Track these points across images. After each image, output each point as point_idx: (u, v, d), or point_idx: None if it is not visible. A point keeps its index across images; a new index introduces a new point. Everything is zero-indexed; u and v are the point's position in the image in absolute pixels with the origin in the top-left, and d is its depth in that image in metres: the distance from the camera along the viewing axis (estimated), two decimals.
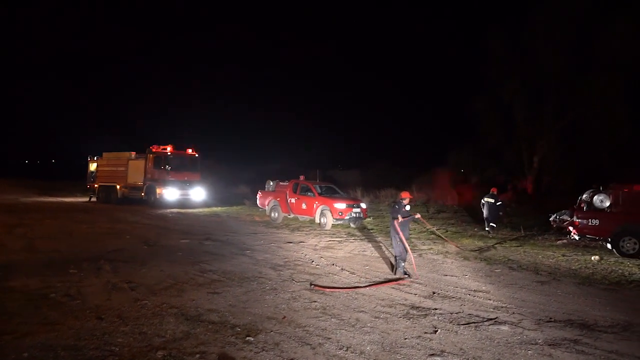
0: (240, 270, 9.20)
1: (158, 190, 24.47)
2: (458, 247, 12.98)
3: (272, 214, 19.10)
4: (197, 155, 26.66)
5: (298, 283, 8.25)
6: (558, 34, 24.09)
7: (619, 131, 23.41)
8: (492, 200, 16.76)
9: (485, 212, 16.85)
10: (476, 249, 13.20)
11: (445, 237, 15.06)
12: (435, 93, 51.49)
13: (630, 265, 11.16)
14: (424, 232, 16.34)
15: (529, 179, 27.42)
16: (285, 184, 19.32)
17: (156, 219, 18.74)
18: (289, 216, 18.95)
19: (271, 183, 20.19)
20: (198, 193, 25.81)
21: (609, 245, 13.03)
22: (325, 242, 13.66)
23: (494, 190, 17.12)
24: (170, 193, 24.48)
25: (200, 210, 23.98)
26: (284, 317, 6.26)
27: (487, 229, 16.76)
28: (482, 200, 17.04)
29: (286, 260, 10.50)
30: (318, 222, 17.27)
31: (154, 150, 25.34)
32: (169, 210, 22.69)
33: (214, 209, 24.93)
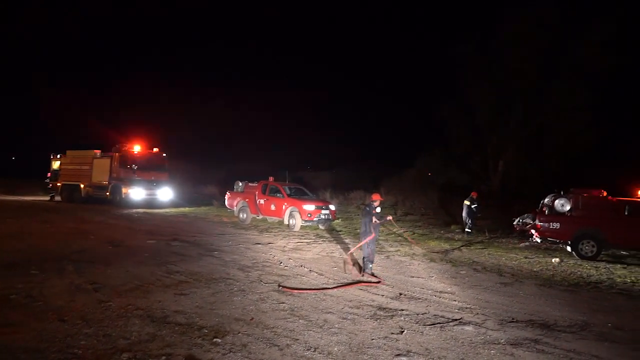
0: (208, 271, 9.12)
1: (124, 190, 23.99)
2: (424, 250, 13.16)
3: (241, 215, 18.99)
4: (164, 154, 26.27)
5: (266, 284, 8.23)
6: (525, 42, 24.73)
7: (581, 138, 24.23)
8: (469, 203, 17.31)
9: (464, 214, 17.37)
10: (442, 250, 13.44)
11: (413, 239, 15.27)
12: (406, 97, 52.16)
13: (588, 267, 11.56)
14: (392, 234, 16.53)
15: (495, 182, 28.04)
16: (254, 185, 19.24)
17: (122, 219, 18.38)
18: (257, 217, 18.88)
19: (240, 184, 20.07)
20: (165, 193, 25.43)
21: (568, 248, 13.48)
22: (293, 243, 13.67)
23: (474, 194, 17.57)
24: (136, 193, 24.04)
25: (168, 210, 23.63)
26: (252, 318, 6.24)
27: (466, 230, 17.27)
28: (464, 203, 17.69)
29: (254, 261, 10.46)
30: (287, 223, 17.26)
31: (120, 148, 24.84)
32: (135, 210, 22.27)
33: (182, 209, 24.62)
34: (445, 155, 29.46)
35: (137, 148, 24.87)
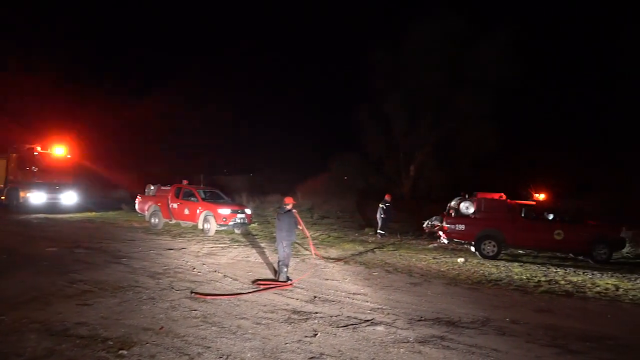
0: (115, 279, 8.66)
1: (22, 194, 22.18)
2: (321, 257, 12.92)
3: (152, 220, 18.25)
4: (69, 155, 24.63)
5: (178, 291, 7.97)
6: (436, 51, 26.04)
7: (486, 144, 25.93)
8: (382, 206, 17.84)
9: (379, 216, 17.83)
10: (356, 253, 13.74)
11: (327, 243, 15.47)
12: (323, 101, 52.76)
13: (489, 266, 12.34)
14: (307, 237, 16.63)
15: (407, 186, 29.19)
16: (167, 188, 18.57)
17: (19, 226, 16.98)
18: (170, 222, 18.24)
19: (152, 187, 19.28)
20: (69, 197, 23.82)
21: (472, 248, 14.30)
22: (208, 248, 13.36)
23: (387, 197, 18.10)
24: (36, 197, 22.32)
25: (72, 215, 22.17)
26: (162, 327, 6.01)
27: (381, 232, 17.71)
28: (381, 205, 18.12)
29: (166, 267, 10.09)
30: (201, 228, 16.83)
31: (18, 149, 22.96)
32: (34, 216, 20.68)
33: (88, 214, 23.21)
34: (361, 159, 30.24)
35: (38, 149, 23.12)
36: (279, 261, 9.56)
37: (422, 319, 7.04)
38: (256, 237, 16.67)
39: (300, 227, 9.62)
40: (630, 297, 9.15)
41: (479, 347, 5.83)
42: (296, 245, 14.28)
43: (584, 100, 30.20)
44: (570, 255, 14.44)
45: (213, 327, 6.11)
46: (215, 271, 9.98)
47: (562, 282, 10.47)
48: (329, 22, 56.53)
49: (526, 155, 28.46)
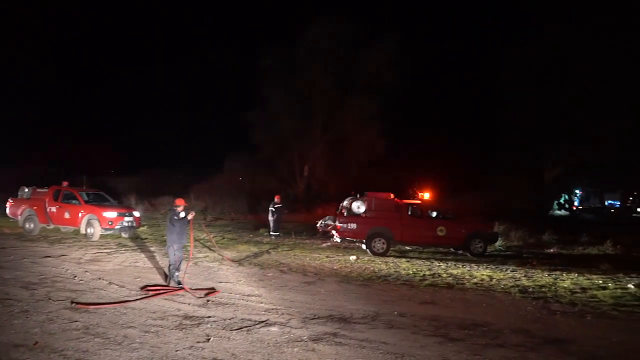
0: None
1: None
2: (226, 258, 12.81)
3: (27, 225, 16.65)
4: None
5: (56, 302, 7.34)
6: (324, 54, 26.68)
7: (375, 145, 27.08)
8: (271, 208, 17.83)
9: (270, 218, 17.76)
10: (251, 254, 13.65)
11: (221, 245, 15.20)
12: (217, 101, 51.61)
13: (379, 262, 12.88)
14: (200, 240, 16.22)
15: (301, 187, 29.58)
16: (43, 190, 17.04)
17: None
18: (48, 227, 16.76)
19: (26, 190, 17.57)
20: None
21: (363, 246, 14.85)
22: (91, 254, 12.49)
23: (276, 198, 18.10)
24: None
25: None
26: (36, 342, 5.50)
27: (274, 233, 17.66)
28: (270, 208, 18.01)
29: (42, 277, 9.26)
30: (84, 232, 15.68)
31: None
32: None
33: None
34: (255, 159, 30.12)
35: None
36: (169, 265, 9.20)
37: (316, 317, 7.16)
38: (146, 240, 15.90)
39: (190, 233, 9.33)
40: (502, 286, 10.03)
41: (370, 341, 6.05)
42: (188, 248, 13.80)
43: (466, 103, 32.63)
44: (452, 249, 15.52)
45: (96, 339, 5.72)
46: (100, 278, 9.36)
47: (445, 275, 11.22)
48: (223, 22, 55.65)
49: (413, 155, 30.17)
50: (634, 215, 31.66)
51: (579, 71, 24.18)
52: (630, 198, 33.85)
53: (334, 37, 26.26)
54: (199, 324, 6.56)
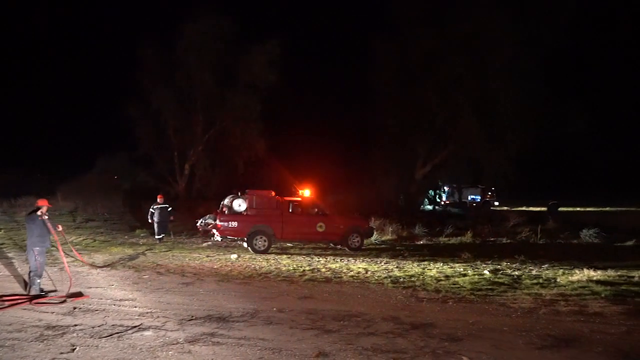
0: None
1: None
2: (88, 264, 11.92)
3: None
4: None
5: None
6: (205, 51, 26.09)
7: (256, 142, 27.11)
8: (151, 210, 16.56)
9: (156, 218, 16.54)
10: (126, 257, 12.96)
11: (92, 247, 14.24)
12: (89, 95, 47.56)
13: (260, 260, 12.94)
14: (67, 243, 15.00)
15: (181, 185, 28.62)
16: None
17: None
18: None
19: None
20: None
21: (245, 244, 14.80)
22: None
23: (159, 198, 16.90)
24: None
25: None
26: None
27: (158, 237, 16.51)
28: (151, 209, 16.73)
29: None
30: None
31: None
32: None
33: None
34: (131, 157, 28.56)
35: None
36: (29, 272, 8.42)
37: (194, 318, 7.01)
38: (3, 245, 14.38)
39: (52, 233, 8.61)
40: (376, 277, 10.59)
41: (248, 339, 6.06)
42: (53, 252, 12.71)
43: (345, 103, 33.79)
44: (331, 244, 16.05)
45: None
46: None
47: (324, 269, 11.57)
48: (102, 12, 51.92)
49: (295, 153, 30.67)
50: (492, 208, 35.08)
51: (439, 72, 26.16)
52: (489, 193, 37.41)
53: (215, 34, 25.81)
54: (64, 333, 6.10)
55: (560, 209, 30.32)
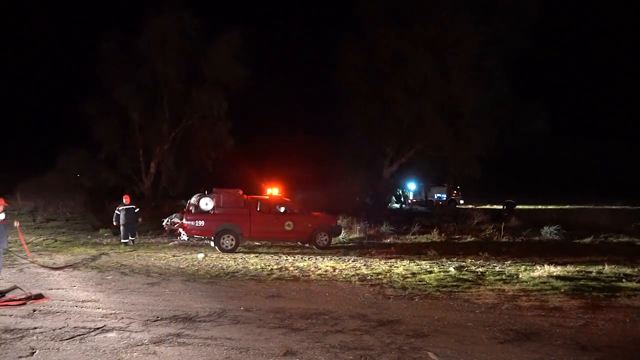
0: None
1: None
2: (38, 264, 11.52)
3: None
4: None
5: None
6: (169, 46, 25.68)
7: (223, 140, 26.87)
8: (117, 212, 15.77)
9: (122, 220, 15.59)
10: (88, 257, 12.65)
11: (53, 248, 13.84)
12: (44, 91, 45.80)
13: (228, 259, 12.83)
14: (28, 243, 14.56)
15: (147, 184, 28.08)
16: None
17: None
18: None
19: None
20: None
21: (212, 243, 14.63)
22: None
23: (126, 199, 16.13)
24: None
25: None
26: None
27: (125, 240, 15.61)
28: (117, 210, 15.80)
29: None
30: None
31: None
32: None
33: None
34: (93, 155, 27.80)
35: None
36: None
37: (159, 318, 6.90)
38: None
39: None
40: (344, 275, 10.65)
41: (214, 339, 6.01)
42: (12, 253, 12.30)
43: (307, 102, 33.87)
44: (299, 243, 16.04)
45: None
46: None
47: (291, 268, 11.56)
48: (60, 6, 50.30)
49: (263, 152, 30.56)
50: (457, 206, 35.78)
51: (405, 72, 26.52)
52: (455, 192, 38.17)
53: (179, 28, 25.42)
54: (23, 336, 5.91)
55: (517, 207, 31.18)
